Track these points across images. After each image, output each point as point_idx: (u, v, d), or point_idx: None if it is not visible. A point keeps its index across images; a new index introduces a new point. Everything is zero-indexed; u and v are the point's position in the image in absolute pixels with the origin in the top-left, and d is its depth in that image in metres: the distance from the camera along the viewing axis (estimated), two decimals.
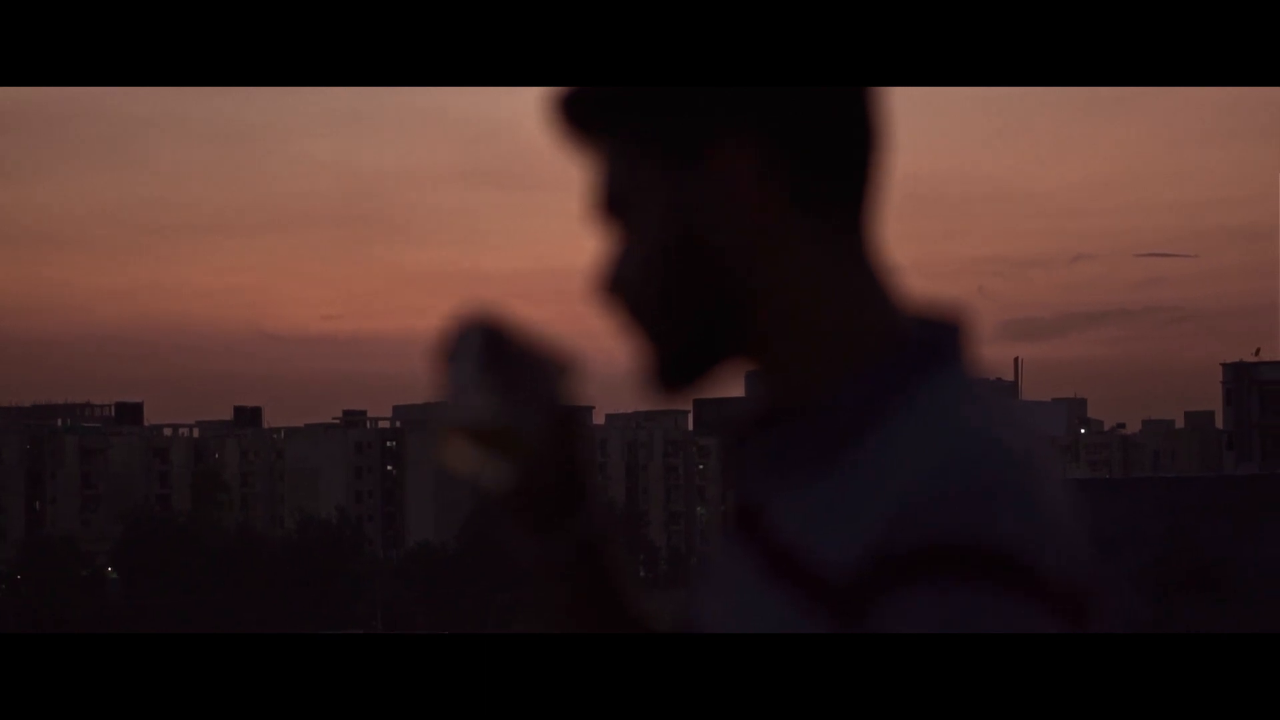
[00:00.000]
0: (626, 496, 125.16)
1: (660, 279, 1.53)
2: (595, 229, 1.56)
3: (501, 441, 1.63)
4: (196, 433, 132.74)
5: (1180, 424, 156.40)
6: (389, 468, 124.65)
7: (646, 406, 1.70)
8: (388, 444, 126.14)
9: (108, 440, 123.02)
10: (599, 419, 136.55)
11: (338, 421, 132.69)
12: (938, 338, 1.52)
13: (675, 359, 1.55)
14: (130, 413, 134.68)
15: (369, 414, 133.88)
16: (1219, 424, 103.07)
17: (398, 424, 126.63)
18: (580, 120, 1.57)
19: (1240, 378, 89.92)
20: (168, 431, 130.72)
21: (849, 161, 1.53)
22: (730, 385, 1.60)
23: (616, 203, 1.55)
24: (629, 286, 1.55)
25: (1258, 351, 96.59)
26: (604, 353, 1.72)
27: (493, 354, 1.61)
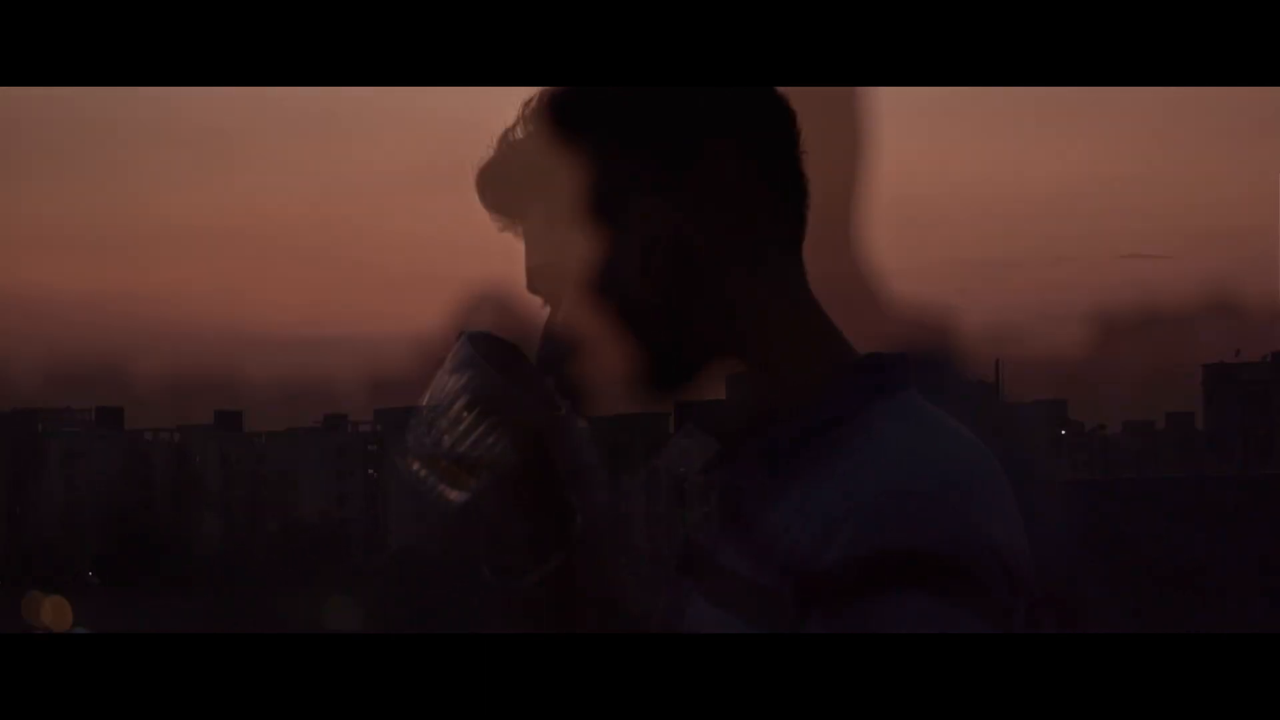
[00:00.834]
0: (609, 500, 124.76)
1: (651, 280, 1.54)
2: (585, 230, 1.56)
3: (469, 467, 1.61)
4: (177, 437, 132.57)
5: (1161, 425, 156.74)
6: (370, 471, 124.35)
7: (629, 409, 1.68)
8: (369, 448, 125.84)
9: (89, 445, 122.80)
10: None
11: (318, 425, 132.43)
12: (879, 366, 1.54)
13: (666, 360, 1.56)
14: (111, 417, 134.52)
15: (350, 418, 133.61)
16: (1199, 424, 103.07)
17: (379, 427, 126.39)
18: (571, 122, 1.57)
19: (1220, 378, 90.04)
20: (149, 436, 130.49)
21: (770, 207, 1.55)
22: (713, 388, 1.59)
23: (607, 204, 1.55)
24: (620, 287, 1.55)
25: (1238, 352, 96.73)
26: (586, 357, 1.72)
27: (488, 365, 1.60)
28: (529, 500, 1.65)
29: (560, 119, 1.58)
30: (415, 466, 1.62)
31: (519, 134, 1.59)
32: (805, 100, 1.59)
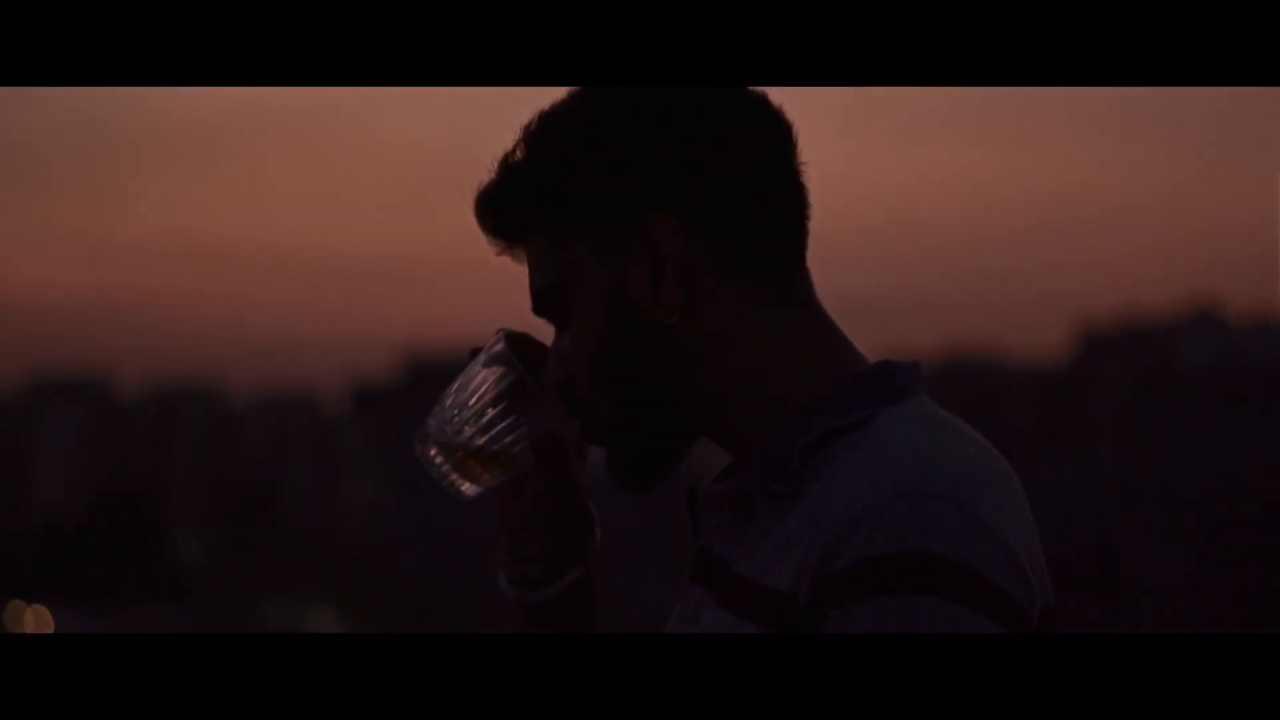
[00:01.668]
0: None
1: (660, 299, 1.53)
2: (590, 251, 1.55)
3: (484, 461, 1.62)
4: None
5: None
6: None
7: None
8: None
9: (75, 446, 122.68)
10: None
11: None
12: (889, 373, 1.54)
13: (636, 461, 1.58)
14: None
15: None
16: None
17: None
18: (509, 223, 1.58)
19: None
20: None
21: (771, 222, 1.55)
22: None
23: (613, 224, 1.55)
24: (630, 308, 1.55)
25: None
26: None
27: (521, 366, 1.61)
28: (549, 510, 1.65)
29: (501, 222, 1.59)
30: (433, 452, 1.63)
31: (518, 156, 1.58)
32: (740, 168, 1.57)
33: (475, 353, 1.64)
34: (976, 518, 1.43)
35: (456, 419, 1.62)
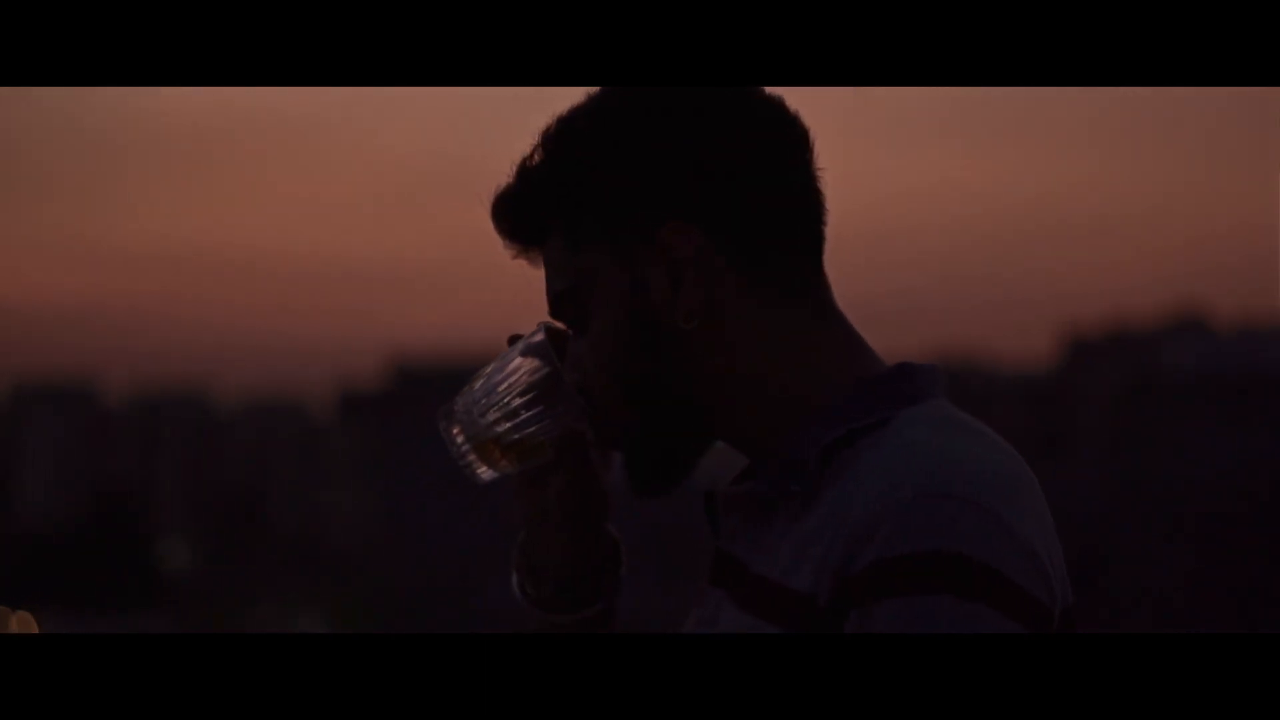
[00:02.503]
0: None
1: (681, 303, 1.54)
2: (609, 255, 1.56)
3: (504, 449, 1.63)
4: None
5: None
6: None
7: None
8: None
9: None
10: None
11: None
12: (908, 375, 1.55)
13: (653, 465, 1.58)
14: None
15: None
16: None
17: None
18: (526, 226, 1.59)
19: None
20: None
21: (789, 227, 1.55)
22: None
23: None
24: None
25: None
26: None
27: (557, 362, 1.61)
28: (570, 509, 1.65)
29: (520, 225, 1.60)
30: (455, 431, 1.63)
31: (536, 160, 1.58)
32: (758, 173, 1.57)
33: (514, 340, 1.64)
34: (996, 518, 1.43)
35: (484, 402, 1.62)
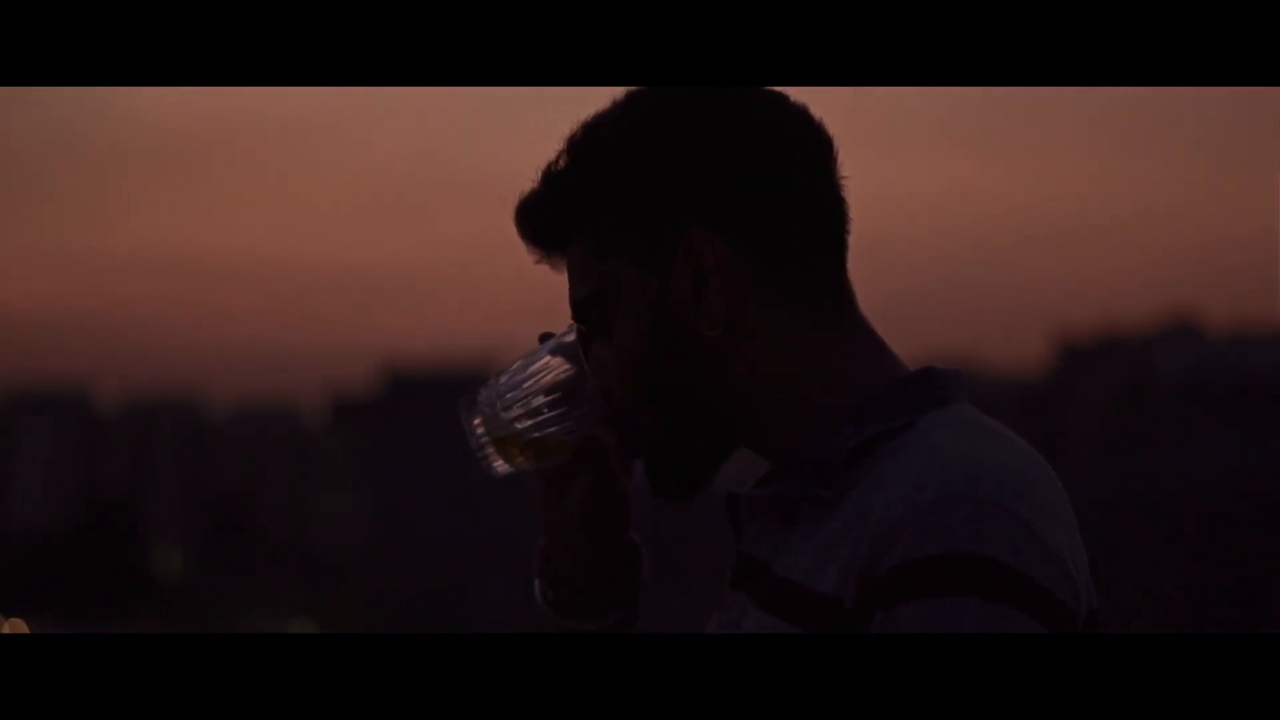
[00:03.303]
0: None
1: (704, 312, 1.54)
2: (632, 262, 1.56)
3: (523, 446, 1.63)
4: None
5: None
6: None
7: None
8: None
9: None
10: None
11: None
12: (932, 379, 1.55)
13: (676, 471, 1.58)
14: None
15: None
16: None
17: None
18: (549, 232, 1.59)
19: None
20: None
21: (813, 234, 1.56)
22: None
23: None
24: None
25: None
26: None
27: (582, 366, 1.61)
28: (590, 514, 1.66)
29: (543, 231, 1.60)
30: (476, 423, 1.63)
31: (561, 166, 1.59)
32: (782, 181, 1.58)
33: (545, 338, 1.64)
34: (1021, 521, 1.43)
35: (508, 397, 1.62)
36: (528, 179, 1.60)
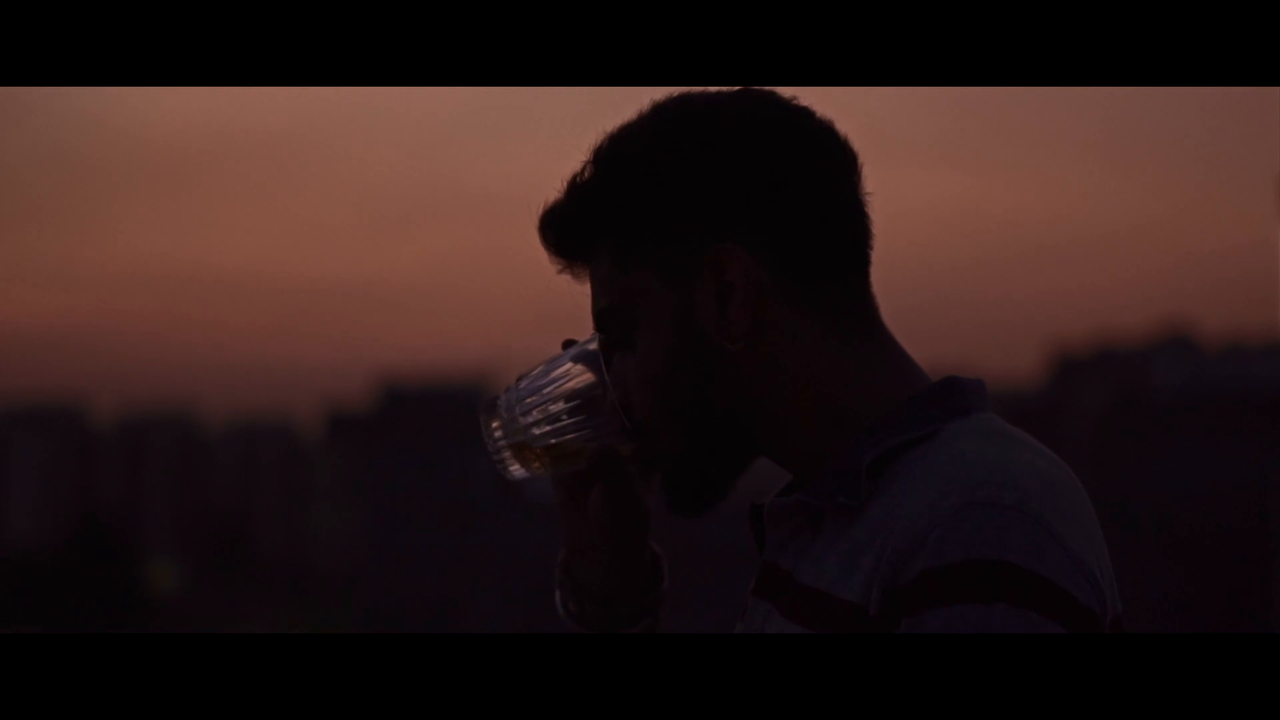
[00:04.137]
0: None
1: (727, 326, 1.55)
2: (656, 275, 1.57)
3: (539, 452, 1.63)
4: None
5: None
6: None
7: None
8: None
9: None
10: None
11: None
12: (955, 389, 1.56)
13: (695, 484, 1.58)
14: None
15: None
16: None
17: None
18: (573, 243, 1.59)
19: None
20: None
21: (837, 249, 1.57)
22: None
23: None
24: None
25: None
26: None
27: (603, 375, 1.62)
28: (608, 527, 1.66)
29: (568, 242, 1.61)
30: (495, 426, 1.64)
31: (587, 177, 1.60)
32: (808, 195, 1.58)
33: (568, 344, 1.64)
34: (1046, 527, 1.44)
35: (528, 402, 1.62)
36: (552, 189, 1.61)
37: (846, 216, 1.58)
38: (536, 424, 1.61)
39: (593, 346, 1.62)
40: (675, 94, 1.60)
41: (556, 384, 1.62)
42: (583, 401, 1.61)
